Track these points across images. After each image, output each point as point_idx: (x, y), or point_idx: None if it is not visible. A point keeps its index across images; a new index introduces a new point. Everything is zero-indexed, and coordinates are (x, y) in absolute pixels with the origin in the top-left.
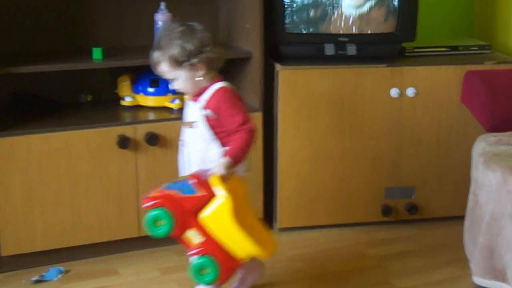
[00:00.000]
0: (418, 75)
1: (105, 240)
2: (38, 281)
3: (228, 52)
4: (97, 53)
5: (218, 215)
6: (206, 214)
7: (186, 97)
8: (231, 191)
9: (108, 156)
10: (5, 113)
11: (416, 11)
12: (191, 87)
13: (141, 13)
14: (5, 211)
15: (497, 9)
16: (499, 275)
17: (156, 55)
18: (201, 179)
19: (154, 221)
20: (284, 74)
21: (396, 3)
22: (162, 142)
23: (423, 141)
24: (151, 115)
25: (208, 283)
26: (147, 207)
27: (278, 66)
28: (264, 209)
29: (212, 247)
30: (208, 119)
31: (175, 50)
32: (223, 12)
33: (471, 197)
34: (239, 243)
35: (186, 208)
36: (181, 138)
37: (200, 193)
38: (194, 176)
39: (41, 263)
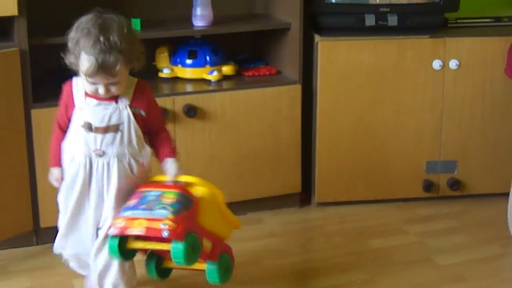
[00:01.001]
0: (461, 47)
1: None
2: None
3: (266, 23)
4: (135, 24)
5: (213, 210)
6: (205, 215)
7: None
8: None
9: None
10: (45, 85)
11: None
12: (125, 86)
13: None
14: (44, 182)
15: None
16: None
17: (113, 58)
18: (183, 187)
19: (189, 249)
20: (324, 46)
21: None
22: (200, 114)
23: (466, 114)
24: (189, 87)
25: (229, 278)
26: (172, 238)
27: (317, 37)
28: (302, 183)
29: (220, 244)
30: (137, 118)
31: (132, 48)
32: None
33: None
34: (229, 226)
35: (194, 221)
36: (94, 148)
37: (194, 200)
38: (174, 186)
39: None
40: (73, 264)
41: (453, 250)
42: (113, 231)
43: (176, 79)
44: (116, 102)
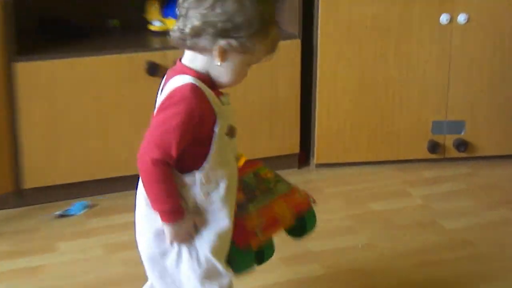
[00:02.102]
0: (470, 1)
1: (134, 173)
2: (62, 216)
3: None
4: None
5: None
6: None
7: None
8: None
9: (137, 84)
10: (30, 37)
11: None
12: None
13: None
14: (28, 141)
15: None
16: None
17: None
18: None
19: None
20: None
21: None
22: None
23: (475, 72)
24: None
25: None
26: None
27: None
28: (301, 144)
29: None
30: None
31: None
32: None
33: None
34: None
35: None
36: (235, 153)
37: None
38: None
39: (65, 197)
40: None
41: (461, 213)
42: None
43: (167, 32)
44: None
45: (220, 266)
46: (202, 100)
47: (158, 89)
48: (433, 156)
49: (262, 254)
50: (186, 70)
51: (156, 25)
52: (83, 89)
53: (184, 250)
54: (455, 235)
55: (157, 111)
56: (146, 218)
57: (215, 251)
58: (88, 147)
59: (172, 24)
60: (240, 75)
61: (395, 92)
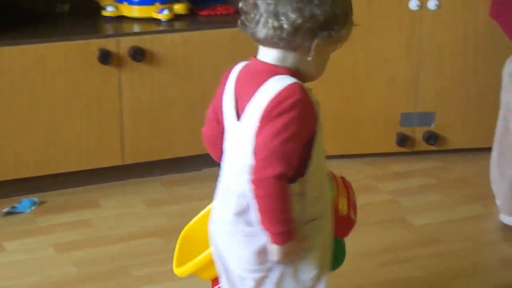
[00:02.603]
0: None
1: (84, 168)
2: (8, 213)
3: None
4: None
5: None
6: None
7: None
8: None
9: (88, 73)
10: None
11: None
12: None
13: None
14: None
15: None
16: None
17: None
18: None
19: None
20: None
21: None
22: (148, 58)
23: (445, 61)
24: (136, 27)
25: None
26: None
27: None
28: None
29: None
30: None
31: None
32: None
33: (500, 124)
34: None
35: None
36: None
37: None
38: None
39: (12, 193)
40: None
41: (429, 209)
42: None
43: (121, 18)
44: None
45: (323, 282)
46: (310, 100)
47: (224, 94)
48: (402, 149)
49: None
50: (280, 70)
51: (109, 10)
52: (30, 79)
53: (289, 270)
54: (424, 231)
55: (266, 121)
56: (247, 237)
57: (320, 266)
58: (36, 141)
59: (126, 10)
60: (326, 66)
61: (361, 82)
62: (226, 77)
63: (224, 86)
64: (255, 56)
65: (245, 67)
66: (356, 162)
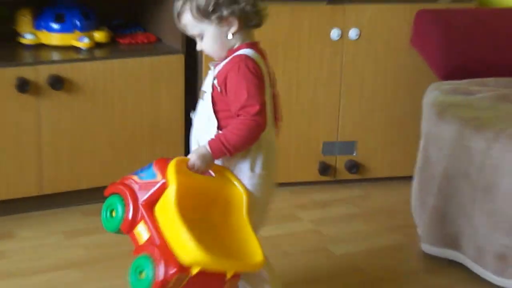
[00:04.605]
0: (362, 15)
1: (1, 198)
2: None
3: None
4: None
5: (163, 206)
6: (156, 205)
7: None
8: (196, 183)
9: (5, 101)
10: None
11: None
12: (219, 48)
13: None
14: None
15: None
16: (451, 242)
17: (179, 2)
18: (165, 162)
19: (109, 210)
20: None
21: None
22: (68, 86)
23: (366, 90)
24: (55, 55)
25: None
26: (104, 193)
27: None
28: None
29: (153, 246)
30: (215, 91)
31: (208, 3)
32: None
33: (421, 154)
34: (182, 244)
35: (140, 196)
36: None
37: (159, 178)
38: (160, 160)
39: None
40: None
41: (352, 239)
42: None
43: (40, 46)
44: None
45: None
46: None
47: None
48: (324, 178)
49: None
50: None
51: (28, 38)
52: None
53: None
54: (345, 261)
55: None
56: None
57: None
58: None
59: (45, 37)
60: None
61: (284, 112)
62: (260, 71)
63: (263, 76)
64: (254, 41)
65: (260, 52)
66: (279, 190)
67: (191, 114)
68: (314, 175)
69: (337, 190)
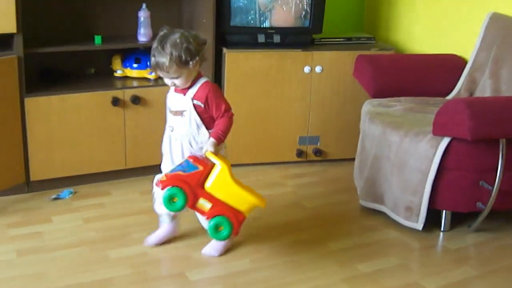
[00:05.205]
0: (323, 57)
1: (102, 170)
2: (55, 199)
3: None
4: (98, 39)
5: (220, 180)
6: (210, 183)
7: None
8: (224, 161)
9: (105, 111)
10: (34, 80)
11: (323, 12)
12: (188, 81)
13: (128, 11)
14: (33, 149)
15: (380, 12)
16: (378, 199)
17: (163, 59)
18: (198, 158)
19: (170, 199)
20: (229, 55)
21: (308, 6)
22: (143, 102)
23: (326, 104)
24: (135, 83)
25: (226, 238)
26: (161, 188)
27: (225, 50)
28: None
29: (221, 208)
30: (197, 108)
31: (182, 53)
32: (186, 11)
33: (360, 144)
34: (241, 199)
35: (192, 183)
36: (169, 124)
37: (200, 168)
38: (191, 156)
39: (57, 186)
40: (158, 200)
41: (317, 197)
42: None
43: (126, 78)
44: (185, 94)
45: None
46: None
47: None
48: (299, 159)
49: None
50: None
51: (118, 72)
52: (69, 115)
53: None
54: (313, 211)
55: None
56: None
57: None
58: (72, 153)
59: (129, 72)
60: None
61: (273, 117)
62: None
63: None
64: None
65: None
66: (270, 167)
67: (169, 130)
68: (293, 157)
69: (307, 167)
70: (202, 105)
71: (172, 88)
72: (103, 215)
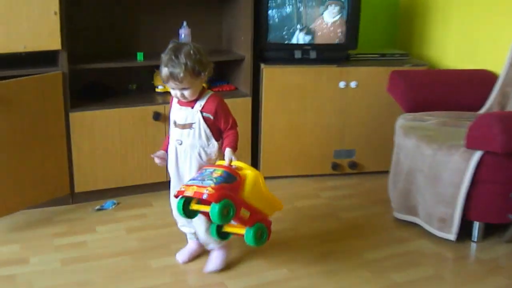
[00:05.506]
0: (358, 73)
1: (144, 182)
2: (98, 210)
3: (228, 56)
4: (140, 55)
5: (255, 188)
6: (247, 191)
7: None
8: (253, 169)
9: (146, 125)
10: (78, 96)
11: (357, 29)
12: (196, 93)
13: (169, 28)
14: (77, 162)
15: (413, 28)
16: (412, 211)
17: (178, 69)
18: (232, 168)
19: (222, 211)
20: (267, 71)
21: (344, 22)
22: None
23: (361, 118)
24: None
25: (264, 243)
26: (214, 201)
27: (263, 65)
28: (252, 163)
29: (259, 215)
30: (206, 120)
31: (195, 64)
32: (225, 28)
33: (394, 157)
34: (271, 204)
35: (236, 194)
36: (176, 138)
37: (238, 178)
38: (225, 166)
39: (101, 197)
40: (179, 221)
41: (352, 209)
42: (175, 193)
43: (167, 93)
44: (192, 107)
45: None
46: (171, 100)
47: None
48: (335, 172)
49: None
50: None
51: (159, 88)
52: (112, 128)
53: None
54: (349, 222)
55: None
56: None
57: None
58: (115, 166)
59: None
60: None
61: (310, 130)
62: None
63: None
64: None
65: None
66: (307, 179)
67: (176, 143)
68: (328, 170)
69: (342, 180)
70: (212, 117)
71: (175, 103)
72: (145, 226)
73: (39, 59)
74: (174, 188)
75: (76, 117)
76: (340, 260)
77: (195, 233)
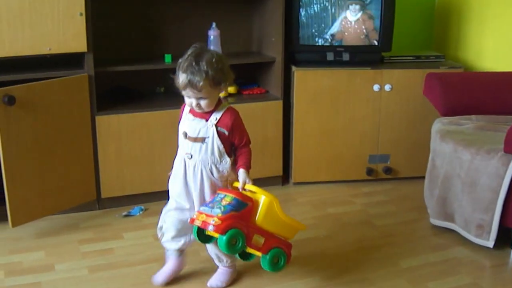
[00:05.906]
0: (393, 76)
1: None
2: (126, 216)
3: (259, 58)
4: (168, 57)
5: (268, 213)
6: (260, 217)
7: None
8: (266, 193)
9: (174, 129)
10: (105, 99)
11: (392, 31)
12: (213, 104)
13: (197, 30)
14: (104, 167)
15: (449, 30)
16: (449, 217)
17: (198, 77)
18: (241, 193)
19: (230, 241)
20: (298, 74)
21: (378, 23)
22: None
23: (396, 122)
24: None
25: (282, 269)
26: (220, 232)
27: (294, 68)
28: (283, 168)
29: (274, 241)
30: (221, 135)
31: (216, 73)
32: (255, 30)
33: (430, 162)
34: (288, 228)
35: (247, 221)
36: (186, 151)
37: (249, 204)
38: (235, 192)
39: (128, 203)
40: (168, 235)
41: (387, 215)
42: (189, 219)
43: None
44: (207, 120)
45: None
46: (181, 109)
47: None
48: (369, 177)
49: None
50: None
51: None
52: (139, 132)
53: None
54: (383, 229)
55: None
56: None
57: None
58: (142, 171)
59: None
60: None
61: (344, 135)
62: None
63: None
64: None
65: None
66: (340, 185)
67: (186, 156)
68: (363, 176)
69: (377, 185)
70: (227, 133)
71: (186, 112)
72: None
73: (65, 61)
74: (175, 202)
75: (103, 120)
76: (376, 269)
77: (179, 250)
